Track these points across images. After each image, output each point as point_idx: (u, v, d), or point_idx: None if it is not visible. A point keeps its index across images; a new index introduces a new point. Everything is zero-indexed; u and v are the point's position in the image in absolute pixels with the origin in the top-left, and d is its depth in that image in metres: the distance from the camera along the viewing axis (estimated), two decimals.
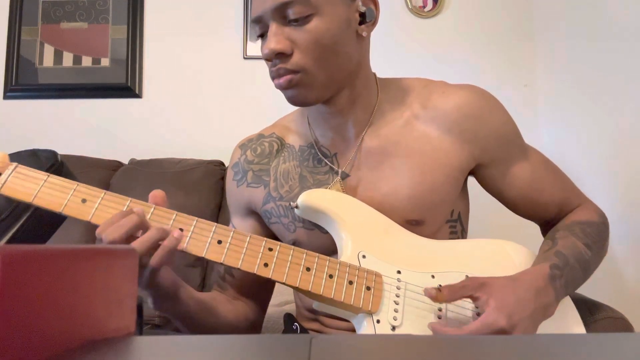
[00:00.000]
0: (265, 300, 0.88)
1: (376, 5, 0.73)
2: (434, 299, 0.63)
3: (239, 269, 0.63)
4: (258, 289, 0.85)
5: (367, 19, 0.71)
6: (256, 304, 0.86)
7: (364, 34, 0.72)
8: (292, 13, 0.65)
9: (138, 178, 1.73)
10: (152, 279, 0.61)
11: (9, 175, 0.62)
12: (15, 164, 0.63)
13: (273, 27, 0.67)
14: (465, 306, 0.68)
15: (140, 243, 0.58)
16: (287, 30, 0.67)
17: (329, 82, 0.70)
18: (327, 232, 0.74)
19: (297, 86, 0.69)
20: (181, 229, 0.63)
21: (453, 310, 0.67)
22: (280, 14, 0.66)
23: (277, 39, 0.66)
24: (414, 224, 0.74)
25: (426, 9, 2.01)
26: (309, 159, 0.79)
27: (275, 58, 0.67)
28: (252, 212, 0.84)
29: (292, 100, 0.71)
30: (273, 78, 0.70)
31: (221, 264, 0.63)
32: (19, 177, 0.63)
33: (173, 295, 0.66)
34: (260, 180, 0.82)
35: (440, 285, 0.64)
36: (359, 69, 0.74)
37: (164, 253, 0.59)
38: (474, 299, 0.63)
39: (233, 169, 0.86)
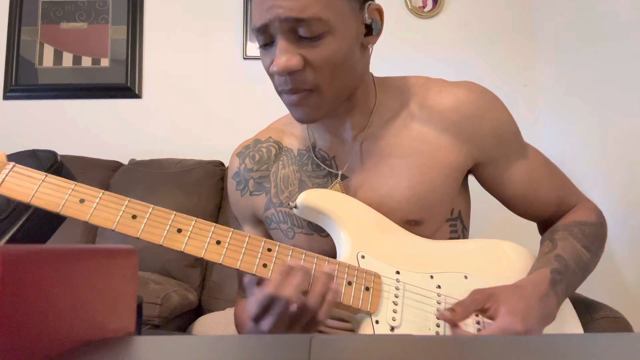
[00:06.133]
0: None
1: (381, 15, 0.70)
2: (450, 320, 0.62)
3: (238, 269, 0.63)
4: None
5: (373, 32, 0.69)
6: None
7: (370, 46, 0.71)
8: (304, 31, 0.62)
9: (138, 178, 1.73)
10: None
11: (6, 175, 0.62)
12: (12, 163, 0.63)
13: (283, 44, 0.63)
14: None
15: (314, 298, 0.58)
16: (297, 45, 0.63)
17: (337, 99, 0.69)
18: (326, 236, 0.74)
19: (307, 105, 0.67)
20: (179, 229, 0.63)
21: None
22: (291, 29, 0.62)
23: (288, 56, 0.63)
24: (413, 224, 0.74)
25: (426, 9, 2.01)
26: (307, 164, 0.79)
27: (288, 75, 0.65)
28: (260, 220, 0.84)
29: (301, 119, 0.70)
30: (281, 92, 0.68)
31: (220, 264, 0.63)
32: (17, 177, 0.62)
33: None
34: (262, 188, 0.81)
35: (440, 326, 0.64)
36: (361, 79, 0.73)
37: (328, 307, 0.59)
38: (484, 310, 0.63)
39: (234, 179, 0.85)
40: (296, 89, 0.65)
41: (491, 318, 0.62)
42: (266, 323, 0.58)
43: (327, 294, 0.59)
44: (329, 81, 0.66)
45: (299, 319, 0.57)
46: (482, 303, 0.62)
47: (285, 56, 0.63)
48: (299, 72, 0.64)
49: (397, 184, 0.73)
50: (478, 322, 0.66)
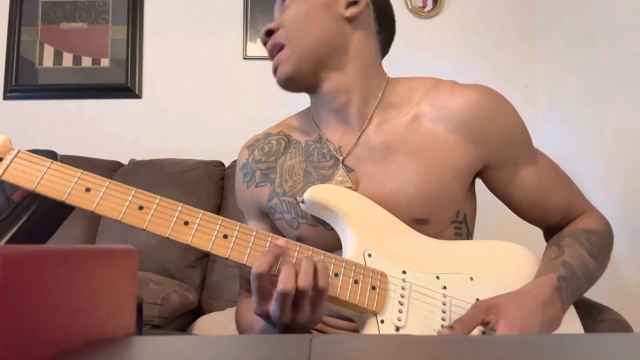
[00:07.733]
0: None
1: None
2: None
3: (244, 264, 0.62)
4: None
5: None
6: None
7: (348, 14, 0.77)
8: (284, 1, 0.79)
9: (138, 178, 1.73)
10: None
11: (11, 160, 0.60)
12: (17, 148, 0.61)
13: (274, 14, 0.82)
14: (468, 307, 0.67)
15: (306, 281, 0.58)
16: (281, 12, 0.80)
17: (306, 55, 0.76)
18: (331, 229, 0.74)
19: (281, 61, 0.77)
20: (186, 222, 0.61)
21: (457, 312, 0.67)
22: (281, 2, 0.80)
23: (271, 22, 0.79)
24: (419, 223, 0.73)
25: (426, 9, 2.01)
26: (314, 154, 0.80)
27: (266, 37, 0.79)
28: (266, 214, 0.84)
29: (280, 78, 0.78)
30: (271, 59, 0.79)
31: (226, 258, 0.62)
32: (22, 162, 0.60)
33: None
34: (267, 179, 0.82)
35: (445, 325, 0.63)
36: (351, 55, 0.77)
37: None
38: (485, 323, 0.62)
39: (242, 171, 0.85)
40: (271, 45, 0.78)
41: (492, 330, 0.62)
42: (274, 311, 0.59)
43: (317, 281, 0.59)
44: (295, 36, 0.77)
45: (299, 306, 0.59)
46: (481, 317, 0.62)
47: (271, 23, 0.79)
48: (275, 33, 0.78)
49: (404, 180, 0.73)
50: (483, 332, 0.66)
